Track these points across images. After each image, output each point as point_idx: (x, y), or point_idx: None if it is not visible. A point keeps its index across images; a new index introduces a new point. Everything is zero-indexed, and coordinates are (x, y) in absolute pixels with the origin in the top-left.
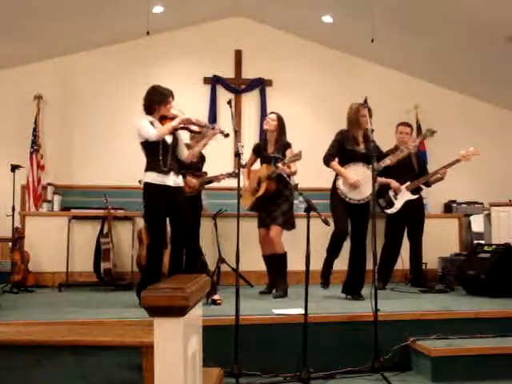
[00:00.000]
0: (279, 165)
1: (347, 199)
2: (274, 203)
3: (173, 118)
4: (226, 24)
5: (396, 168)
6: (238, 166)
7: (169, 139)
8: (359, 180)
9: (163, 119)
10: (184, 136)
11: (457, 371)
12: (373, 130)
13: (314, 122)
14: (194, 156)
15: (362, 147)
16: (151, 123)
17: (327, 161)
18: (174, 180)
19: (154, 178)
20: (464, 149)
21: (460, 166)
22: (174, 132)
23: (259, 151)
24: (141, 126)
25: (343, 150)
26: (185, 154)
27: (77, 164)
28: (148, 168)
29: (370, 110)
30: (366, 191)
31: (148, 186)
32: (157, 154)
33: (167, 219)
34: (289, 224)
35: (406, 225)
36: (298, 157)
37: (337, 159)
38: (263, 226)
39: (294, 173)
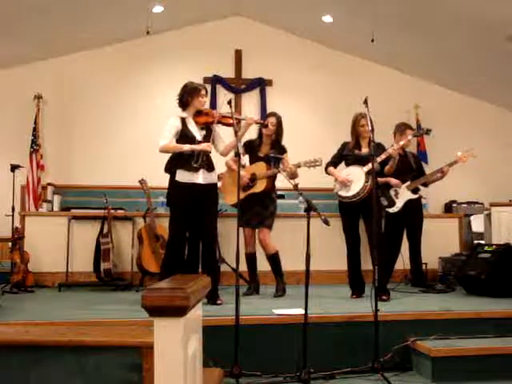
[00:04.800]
0: (291, 166)
1: (340, 198)
2: (262, 203)
3: (207, 113)
4: (225, 24)
5: (395, 168)
6: (238, 166)
7: (199, 135)
8: (347, 177)
9: (198, 115)
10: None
11: (457, 371)
12: (373, 130)
13: (314, 122)
14: (231, 148)
15: (363, 152)
16: (183, 120)
17: (325, 168)
18: (204, 177)
19: (182, 176)
20: (463, 149)
21: (460, 166)
22: (208, 126)
23: (250, 149)
24: (164, 128)
25: (343, 157)
26: (221, 147)
27: (77, 164)
28: (178, 165)
29: (368, 110)
30: (354, 188)
31: (177, 184)
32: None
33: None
34: (272, 225)
35: (405, 225)
36: (318, 163)
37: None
38: (248, 225)
39: (296, 175)
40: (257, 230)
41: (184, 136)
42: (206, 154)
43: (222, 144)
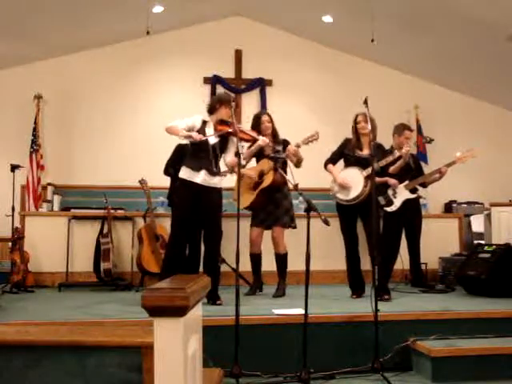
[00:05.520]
0: (293, 146)
1: (338, 200)
2: (274, 201)
3: (228, 124)
4: (225, 24)
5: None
6: (238, 166)
7: (211, 140)
8: (346, 179)
9: (220, 123)
10: None
11: (457, 371)
12: (373, 130)
13: (314, 122)
14: (235, 164)
15: (364, 152)
16: (204, 122)
17: (324, 164)
18: (203, 179)
19: (184, 173)
20: (462, 149)
21: (460, 166)
22: (224, 136)
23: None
24: (184, 117)
25: (343, 156)
26: (228, 159)
27: (77, 164)
28: (184, 163)
29: (367, 110)
30: (353, 192)
31: (180, 181)
32: (195, 150)
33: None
34: (293, 221)
35: (404, 225)
36: (315, 137)
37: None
38: (260, 225)
39: (300, 158)
40: (273, 228)
41: None
42: (218, 159)
43: (230, 156)
